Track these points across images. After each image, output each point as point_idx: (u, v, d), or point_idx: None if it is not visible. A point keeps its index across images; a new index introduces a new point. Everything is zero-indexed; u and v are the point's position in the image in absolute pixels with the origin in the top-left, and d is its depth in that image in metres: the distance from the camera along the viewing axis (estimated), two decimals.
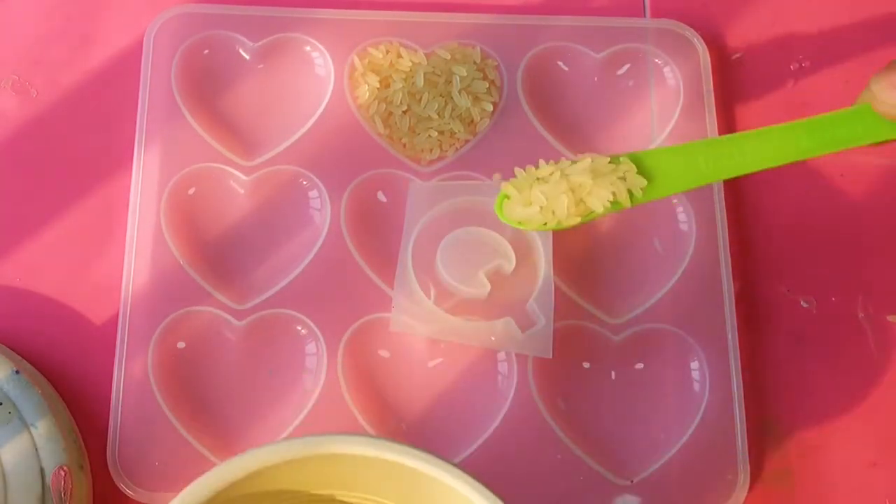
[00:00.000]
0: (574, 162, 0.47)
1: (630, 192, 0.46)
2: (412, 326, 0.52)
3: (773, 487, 0.53)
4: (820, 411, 0.55)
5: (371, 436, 0.36)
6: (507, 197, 0.48)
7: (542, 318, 0.52)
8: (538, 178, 0.47)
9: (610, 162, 0.46)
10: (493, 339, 0.52)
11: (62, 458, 0.48)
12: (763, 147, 0.44)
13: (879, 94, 0.40)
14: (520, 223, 0.47)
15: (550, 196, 0.46)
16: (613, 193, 0.46)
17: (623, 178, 0.46)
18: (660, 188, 0.45)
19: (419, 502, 0.39)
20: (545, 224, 0.47)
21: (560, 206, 0.46)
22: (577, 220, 0.47)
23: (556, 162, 0.47)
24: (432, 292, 0.53)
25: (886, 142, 0.42)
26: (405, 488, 0.38)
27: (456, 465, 0.35)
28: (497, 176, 0.50)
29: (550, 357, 0.52)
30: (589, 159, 0.46)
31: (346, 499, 0.41)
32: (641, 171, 0.46)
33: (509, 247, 0.53)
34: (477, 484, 0.35)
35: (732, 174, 0.45)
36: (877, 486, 0.54)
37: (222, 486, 0.35)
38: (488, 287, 0.52)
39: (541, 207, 0.47)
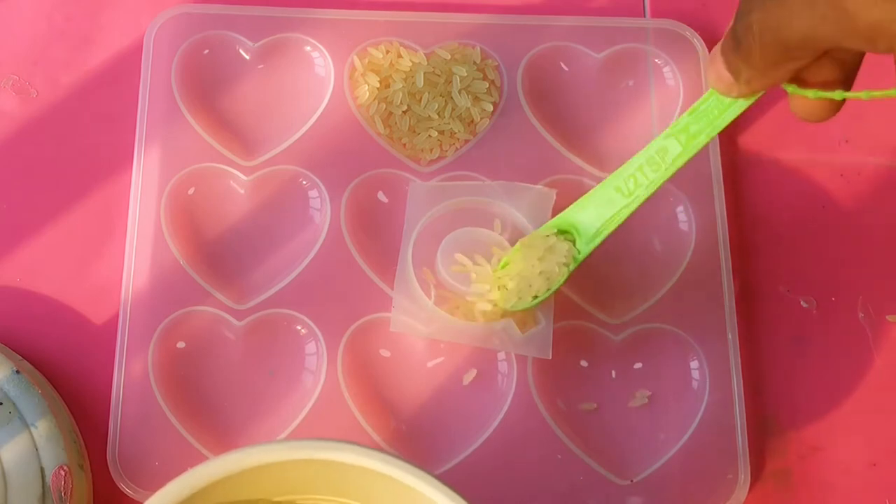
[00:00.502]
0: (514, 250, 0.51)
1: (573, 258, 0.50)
2: (412, 327, 0.52)
3: (773, 487, 0.53)
4: (820, 411, 0.55)
5: (323, 440, 0.36)
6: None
7: (541, 320, 0.52)
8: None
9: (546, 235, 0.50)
10: (492, 340, 0.52)
11: (62, 458, 0.48)
12: (663, 155, 0.48)
13: (713, 85, 0.43)
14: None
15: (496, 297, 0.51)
16: (566, 266, 0.50)
17: (552, 249, 0.50)
18: (595, 234, 0.50)
19: (380, 499, 0.39)
20: (534, 297, 0.51)
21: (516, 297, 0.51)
22: (545, 291, 0.51)
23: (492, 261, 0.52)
24: (433, 293, 0.53)
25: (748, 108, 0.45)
26: (364, 487, 0.38)
27: (397, 457, 0.36)
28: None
29: (549, 358, 0.52)
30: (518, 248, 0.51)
31: (306, 502, 0.41)
32: (574, 227, 0.50)
33: (510, 247, 0.53)
34: (426, 475, 0.35)
35: (649, 194, 0.48)
36: (877, 486, 0.53)
37: (183, 498, 0.35)
38: (489, 287, 0.52)
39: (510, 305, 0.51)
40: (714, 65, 0.41)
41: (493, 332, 0.52)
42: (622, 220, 0.49)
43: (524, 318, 0.52)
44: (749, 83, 0.41)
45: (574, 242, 0.50)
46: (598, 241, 0.49)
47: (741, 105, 0.45)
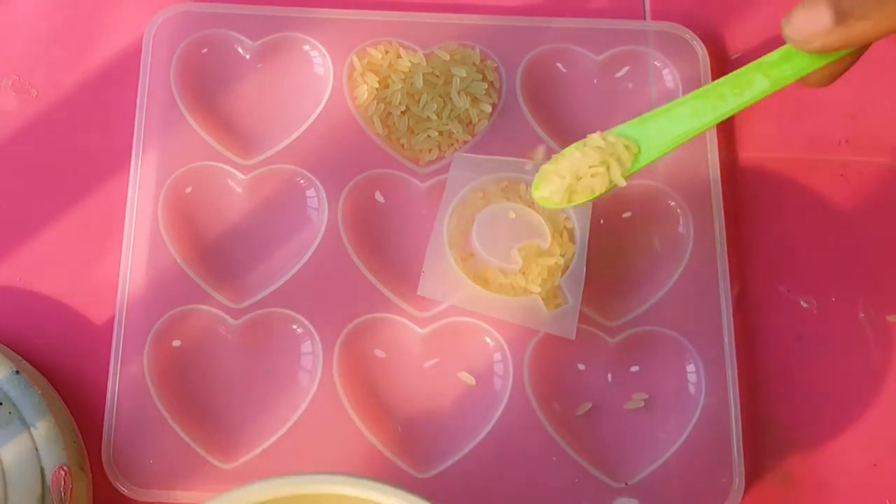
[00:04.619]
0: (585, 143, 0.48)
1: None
2: (440, 292, 0.53)
3: (773, 488, 0.53)
4: (820, 412, 0.55)
5: (319, 473, 0.37)
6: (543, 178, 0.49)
7: (569, 299, 0.53)
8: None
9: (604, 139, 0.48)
10: (517, 313, 0.52)
11: (62, 458, 0.49)
12: (732, 91, 0.47)
13: (792, 37, 0.42)
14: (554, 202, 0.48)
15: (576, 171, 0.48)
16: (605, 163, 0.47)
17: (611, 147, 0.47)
18: (658, 149, 0.47)
19: None
20: (593, 194, 0.48)
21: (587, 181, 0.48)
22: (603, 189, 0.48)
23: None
24: (462, 262, 0.53)
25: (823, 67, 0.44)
26: None
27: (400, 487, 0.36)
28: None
29: (573, 339, 0.52)
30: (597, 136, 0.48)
31: None
32: (637, 138, 0.48)
33: (545, 225, 0.53)
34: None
35: (715, 122, 0.47)
36: (877, 486, 0.54)
37: None
38: (520, 263, 0.52)
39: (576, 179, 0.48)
40: (813, 7, 0.40)
41: (519, 307, 0.52)
42: (687, 140, 0.47)
43: (551, 295, 0.52)
44: (853, 25, 0.39)
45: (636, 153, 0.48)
46: (658, 155, 0.47)
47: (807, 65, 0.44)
